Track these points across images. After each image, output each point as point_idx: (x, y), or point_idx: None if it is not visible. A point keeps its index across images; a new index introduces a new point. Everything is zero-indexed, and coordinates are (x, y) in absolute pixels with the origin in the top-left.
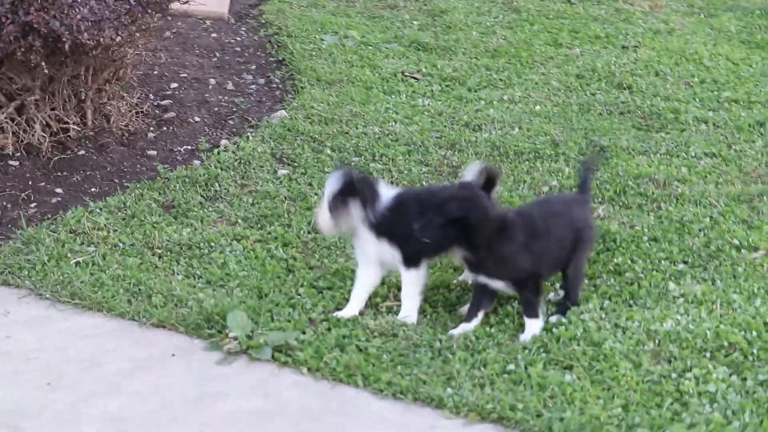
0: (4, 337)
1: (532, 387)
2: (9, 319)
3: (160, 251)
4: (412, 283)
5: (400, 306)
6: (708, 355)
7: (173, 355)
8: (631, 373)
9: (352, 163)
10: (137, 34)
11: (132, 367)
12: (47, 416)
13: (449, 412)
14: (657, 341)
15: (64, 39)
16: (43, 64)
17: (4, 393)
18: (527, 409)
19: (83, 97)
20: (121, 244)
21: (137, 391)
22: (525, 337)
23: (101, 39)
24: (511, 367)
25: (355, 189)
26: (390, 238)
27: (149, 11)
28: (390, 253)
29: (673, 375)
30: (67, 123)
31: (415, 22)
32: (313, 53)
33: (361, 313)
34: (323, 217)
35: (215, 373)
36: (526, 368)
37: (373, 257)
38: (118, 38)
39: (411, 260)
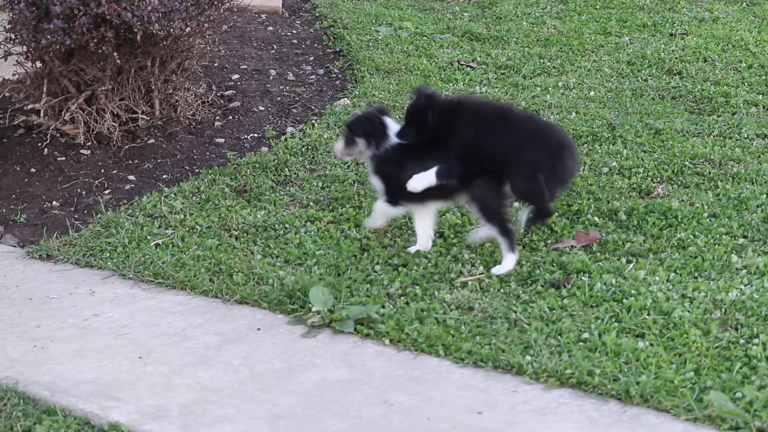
0: (93, 315)
1: (608, 354)
2: (95, 298)
3: (236, 233)
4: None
5: (474, 281)
6: None
7: (258, 329)
8: (701, 340)
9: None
10: (205, 25)
11: (220, 340)
12: (142, 387)
13: (529, 378)
14: (723, 310)
15: (135, 30)
16: (115, 54)
17: (98, 366)
18: (604, 374)
19: (152, 88)
20: (198, 227)
21: (227, 363)
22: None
23: (171, 29)
24: (586, 335)
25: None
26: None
27: (215, 2)
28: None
29: (741, 341)
30: (136, 113)
31: (465, 14)
32: (370, 44)
33: (438, 288)
34: (338, 145)
35: (300, 346)
36: (600, 336)
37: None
38: (187, 29)
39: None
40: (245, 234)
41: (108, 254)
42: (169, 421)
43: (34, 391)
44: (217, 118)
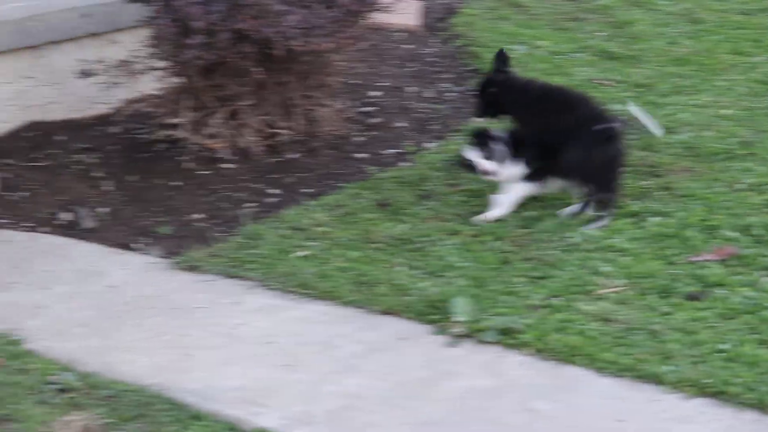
0: (239, 324)
1: (745, 364)
2: (241, 309)
3: (379, 245)
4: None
5: (613, 293)
6: None
7: (402, 338)
8: None
9: None
10: (343, 42)
11: (365, 349)
12: (289, 394)
13: (668, 387)
14: None
15: (275, 45)
16: (256, 70)
17: (245, 373)
18: (742, 384)
19: (292, 103)
20: (341, 239)
21: (372, 371)
22: None
23: (310, 46)
24: (724, 346)
25: None
26: None
27: (354, 20)
28: None
29: None
30: (277, 128)
31: (600, 33)
32: None
33: (577, 300)
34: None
35: (444, 355)
36: (737, 347)
37: None
38: (327, 45)
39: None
40: (388, 246)
41: (252, 265)
42: (316, 427)
43: (183, 398)
44: (358, 133)
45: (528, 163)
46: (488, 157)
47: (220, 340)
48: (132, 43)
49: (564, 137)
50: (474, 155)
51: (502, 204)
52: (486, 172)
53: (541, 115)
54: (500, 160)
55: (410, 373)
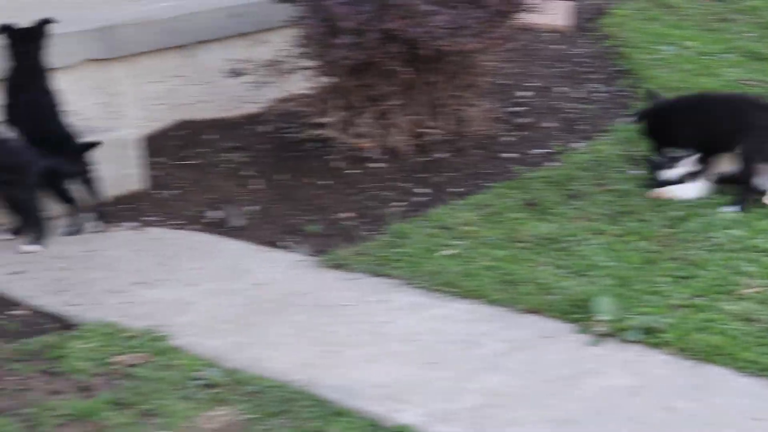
0: (385, 322)
1: None
2: (387, 306)
3: (525, 244)
4: None
5: (757, 292)
6: None
7: (545, 337)
8: None
9: None
10: (491, 42)
11: (507, 347)
12: (431, 390)
13: None
14: None
15: (423, 45)
16: (404, 69)
17: (389, 370)
18: None
19: (441, 103)
20: (487, 238)
21: (514, 369)
22: None
23: (458, 46)
24: None
25: None
26: None
27: (501, 20)
28: None
29: None
30: (426, 127)
31: (749, 34)
32: (654, 63)
33: (720, 300)
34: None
35: (586, 354)
36: None
37: None
38: (474, 45)
39: None
40: (533, 245)
41: (399, 264)
42: (458, 424)
43: (326, 394)
44: (506, 133)
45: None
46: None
47: (365, 337)
48: (281, 43)
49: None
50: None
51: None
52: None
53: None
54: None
55: (552, 371)
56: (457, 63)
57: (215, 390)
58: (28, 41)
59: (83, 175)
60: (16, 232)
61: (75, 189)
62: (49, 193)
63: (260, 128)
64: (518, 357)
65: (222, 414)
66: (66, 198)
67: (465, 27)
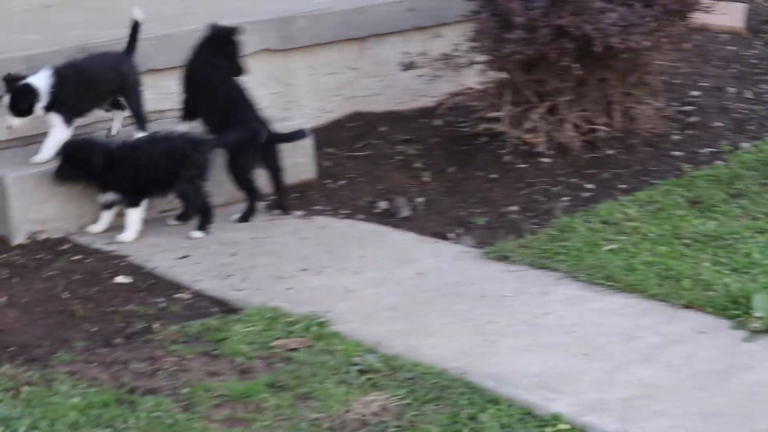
0: (543, 314)
1: None
2: (547, 298)
3: (687, 241)
4: None
5: None
6: None
7: (701, 332)
8: None
9: None
10: (663, 41)
11: (663, 341)
12: (584, 381)
13: None
14: None
15: (594, 42)
16: (575, 66)
17: (544, 360)
18: None
19: (611, 100)
20: (650, 234)
21: (667, 362)
22: None
23: (629, 43)
24: None
25: None
26: None
27: (673, 19)
28: None
29: None
30: (595, 124)
31: None
32: None
33: None
34: None
35: (740, 350)
36: None
37: None
38: (646, 43)
39: None
40: (695, 242)
41: (562, 257)
42: (608, 414)
43: (481, 382)
44: (675, 132)
45: None
46: None
47: (524, 327)
48: (455, 37)
49: None
50: None
51: None
52: None
53: None
54: None
55: (705, 365)
56: (628, 60)
57: (372, 375)
58: (229, 39)
59: (272, 163)
60: (183, 218)
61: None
62: (232, 180)
63: (432, 121)
64: (672, 351)
65: (377, 399)
66: (247, 186)
67: (637, 25)
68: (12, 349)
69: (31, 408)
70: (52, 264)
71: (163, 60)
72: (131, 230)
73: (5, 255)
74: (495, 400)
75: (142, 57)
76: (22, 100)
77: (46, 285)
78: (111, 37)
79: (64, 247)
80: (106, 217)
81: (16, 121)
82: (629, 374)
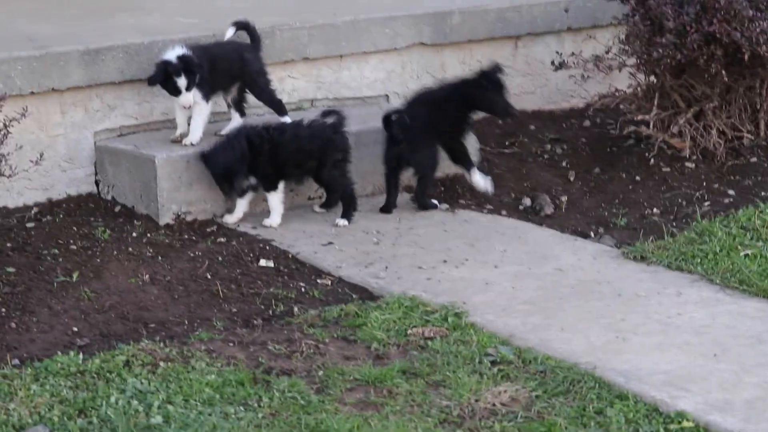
0: (676, 314)
1: None
2: (681, 299)
3: None
4: None
5: None
6: None
7: None
8: None
9: None
10: None
11: None
12: (712, 381)
13: None
14: None
15: (743, 50)
16: (723, 72)
17: (674, 359)
18: None
19: (757, 108)
20: None
21: None
22: None
23: None
24: None
25: None
26: None
27: None
28: None
29: None
30: (741, 131)
31: None
32: None
33: None
34: None
35: None
36: None
37: None
38: None
39: None
40: None
41: (698, 260)
42: (732, 414)
43: (610, 377)
44: None
45: None
46: None
47: (656, 326)
48: (608, 40)
49: None
50: None
51: None
52: None
53: None
54: None
55: None
56: None
57: (504, 367)
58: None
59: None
60: (327, 205)
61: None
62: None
63: (581, 122)
64: None
65: (507, 390)
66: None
67: None
68: (152, 325)
69: (167, 383)
70: (197, 245)
71: (318, 49)
72: (275, 214)
73: (152, 234)
74: (623, 396)
75: (299, 45)
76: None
77: (190, 265)
78: (266, 23)
79: (210, 228)
80: (242, 206)
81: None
82: (756, 376)
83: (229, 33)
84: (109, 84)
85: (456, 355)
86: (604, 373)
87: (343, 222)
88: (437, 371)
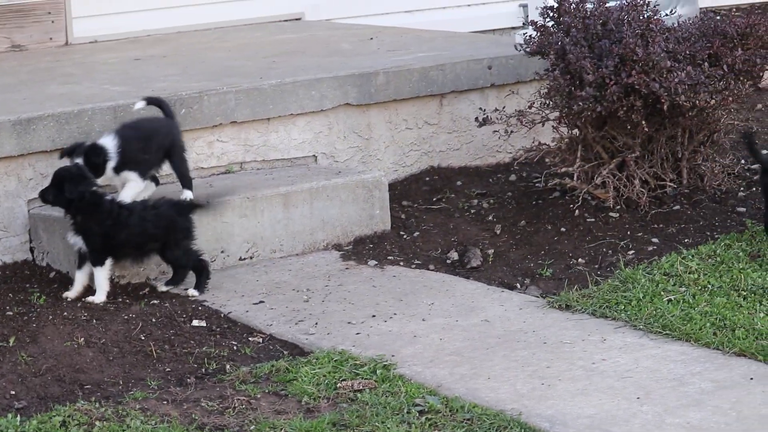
0: (600, 360)
1: None
2: (605, 345)
3: (744, 293)
4: None
5: None
6: None
7: (751, 378)
8: None
9: None
10: (730, 100)
11: (714, 386)
12: (635, 423)
13: None
14: None
15: (662, 100)
16: (643, 123)
17: (598, 403)
18: None
19: (679, 157)
20: (709, 286)
21: (717, 407)
22: None
23: (696, 102)
24: None
25: None
26: None
27: (741, 79)
28: None
29: None
30: (663, 180)
31: None
32: None
33: None
34: None
35: None
36: None
37: None
38: (712, 102)
39: None
40: (753, 294)
41: (622, 306)
42: None
43: (535, 423)
44: (742, 189)
45: None
46: None
47: (581, 372)
48: (531, 95)
49: None
50: None
51: None
52: None
53: None
54: None
55: (753, 410)
56: (696, 118)
57: (432, 416)
58: None
59: None
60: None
61: None
62: None
63: (507, 176)
64: (722, 395)
65: None
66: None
67: (704, 84)
68: (88, 387)
69: None
70: (131, 307)
71: (246, 113)
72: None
73: (86, 298)
74: None
75: (227, 109)
76: None
77: (124, 327)
78: (194, 89)
79: (143, 291)
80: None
81: None
82: (678, 417)
83: (139, 105)
84: (41, 152)
85: (385, 406)
86: (530, 419)
87: (195, 293)
88: (367, 422)
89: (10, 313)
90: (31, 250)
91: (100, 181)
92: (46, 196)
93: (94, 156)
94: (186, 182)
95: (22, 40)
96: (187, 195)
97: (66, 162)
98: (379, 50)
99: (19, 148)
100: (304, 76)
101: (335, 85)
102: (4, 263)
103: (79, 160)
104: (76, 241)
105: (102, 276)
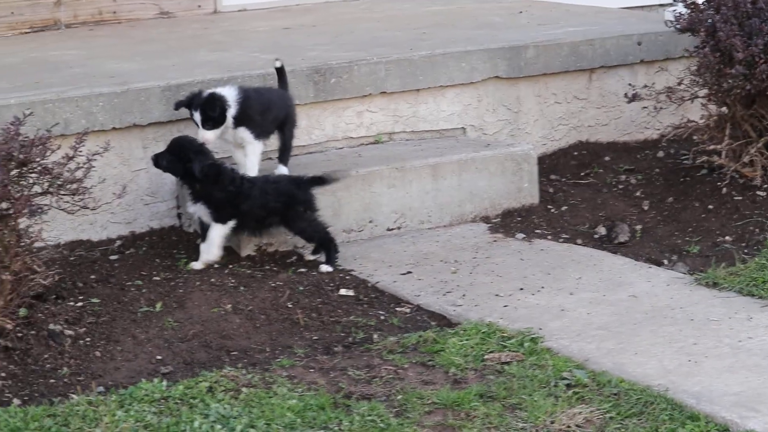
0: (747, 338)
1: None
2: (752, 323)
3: None
4: None
5: None
6: None
7: None
8: None
9: None
10: None
11: None
12: None
13: None
14: None
15: None
16: None
17: (744, 381)
18: None
19: None
20: None
21: None
22: None
23: None
24: None
25: None
26: None
27: None
28: None
29: None
30: None
31: None
32: None
33: None
34: None
35: None
36: None
37: None
38: None
39: None
40: None
41: None
42: None
43: (682, 399)
44: None
45: None
46: None
47: (727, 350)
48: (680, 72)
49: None
50: None
51: None
52: None
53: None
54: None
55: None
56: None
57: (579, 390)
58: None
59: None
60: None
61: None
62: None
63: (655, 153)
64: None
65: (582, 412)
66: None
67: None
68: (234, 353)
69: (249, 408)
70: (279, 275)
71: (395, 84)
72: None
73: (234, 265)
74: (694, 417)
75: (377, 80)
76: None
77: (271, 294)
78: (344, 59)
79: (291, 259)
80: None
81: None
82: None
83: (278, 64)
84: (189, 119)
85: (532, 379)
86: (676, 395)
87: (328, 268)
88: (513, 394)
89: (158, 278)
90: (179, 216)
91: (216, 133)
92: (159, 161)
93: (214, 103)
94: (285, 157)
95: (170, 6)
96: (282, 170)
97: (182, 113)
98: (529, 24)
99: (168, 113)
100: (454, 48)
101: (485, 57)
102: (151, 228)
103: (197, 112)
104: (196, 209)
105: (217, 234)
